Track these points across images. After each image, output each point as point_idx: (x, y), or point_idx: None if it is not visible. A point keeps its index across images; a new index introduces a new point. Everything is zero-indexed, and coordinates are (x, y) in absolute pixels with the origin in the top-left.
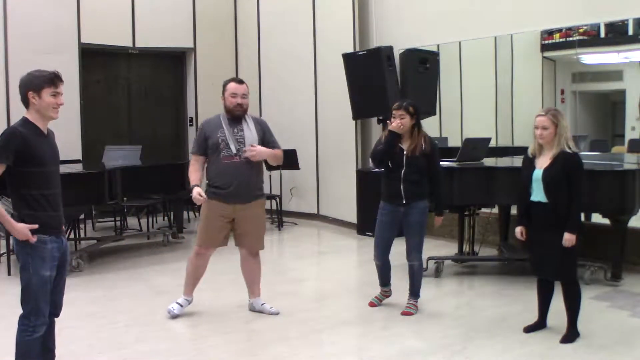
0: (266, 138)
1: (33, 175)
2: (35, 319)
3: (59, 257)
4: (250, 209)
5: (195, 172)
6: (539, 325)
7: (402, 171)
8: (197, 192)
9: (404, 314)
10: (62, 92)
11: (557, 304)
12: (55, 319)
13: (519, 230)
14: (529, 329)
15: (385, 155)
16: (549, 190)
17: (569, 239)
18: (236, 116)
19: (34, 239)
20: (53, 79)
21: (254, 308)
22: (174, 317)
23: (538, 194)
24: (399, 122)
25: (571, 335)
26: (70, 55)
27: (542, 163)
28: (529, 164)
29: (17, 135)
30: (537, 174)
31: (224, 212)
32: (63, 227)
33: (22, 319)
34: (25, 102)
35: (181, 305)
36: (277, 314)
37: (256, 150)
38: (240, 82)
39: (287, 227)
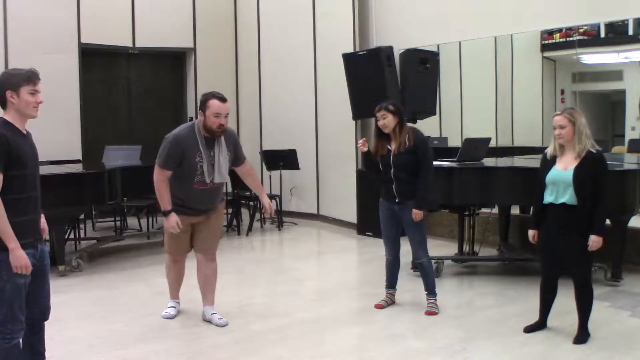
0: (237, 154)
1: (12, 179)
2: (12, 325)
3: (36, 264)
4: (210, 216)
5: (167, 193)
6: (539, 325)
7: (392, 171)
8: (176, 222)
9: (427, 313)
10: (40, 89)
11: (558, 305)
12: (46, 322)
13: (532, 233)
14: (529, 329)
15: (371, 170)
16: (579, 191)
17: (596, 240)
18: (215, 136)
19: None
20: (30, 77)
21: (204, 316)
22: (171, 317)
23: (560, 195)
24: (360, 144)
25: (583, 336)
26: (70, 55)
27: (567, 163)
28: (546, 164)
29: (4, 139)
30: (560, 174)
31: (187, 221)
32: (43, 233)
33: None
34: (3, 102)
35: (174, 307)
36: (225, 325)
37: (271, 210)
38: (224, 100)
39: (287, 227)
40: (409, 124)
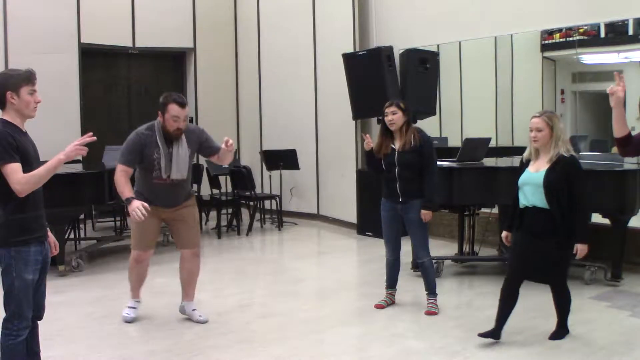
0: (205, 145)
1: None
2: (19, 322)
3: (41, 261)
4: (180, 209)
5: (128, 185)
6: (494, 333)
7: (396, 170)
8: (140, 204)
9: (427, 313)
10: (37, 89)
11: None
12: (46, 322)
13: (505, 235)
14: (485, 335)
15: (372, 168)
16: (550, 195)
17: (582, 248)
18: (172, 138)
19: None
20: (29, 77)
21: (184, 311)
22: (131, 320)
23: (532, 199)
24: (367, 142)
25: (561, 333)
26: (70, 55)
27: (539, 166)
28: (521, 168)
29: (7, 134)
30: (532, 177)
31: (154, 213)
32: (47, 229)
33: (5, 323)
34: (2, 103)
35: (134, 308)
36: (205, 322)
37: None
38: (183, 104)
39: (287, 227)
40: (413, 125)
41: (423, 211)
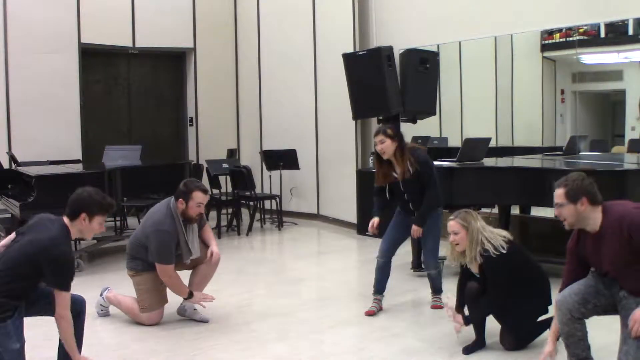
0: (201, 225)
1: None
2: None
3: (21, 316)
4: None
5: (181, 280)
6: (479, 344)
7: (405, 195)
8: (202, 295)
9: (434, 307)
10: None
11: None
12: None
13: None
14: (468, 350)
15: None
16: (501, 306)
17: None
18: (191, 222)
19: None
20: (108, 210)
21: (184, 313)
22: (106, 314)
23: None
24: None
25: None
26: (70, 55)
27: (475, 270)
28: (464, 272)
29: (72, 259)
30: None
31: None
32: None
33: None
34: (74, 217)
35: (107, 307)
36: (206, 321)
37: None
38: (206, 191)
39: (287, 227)
40: (408, 143)
41: (414, 227)
